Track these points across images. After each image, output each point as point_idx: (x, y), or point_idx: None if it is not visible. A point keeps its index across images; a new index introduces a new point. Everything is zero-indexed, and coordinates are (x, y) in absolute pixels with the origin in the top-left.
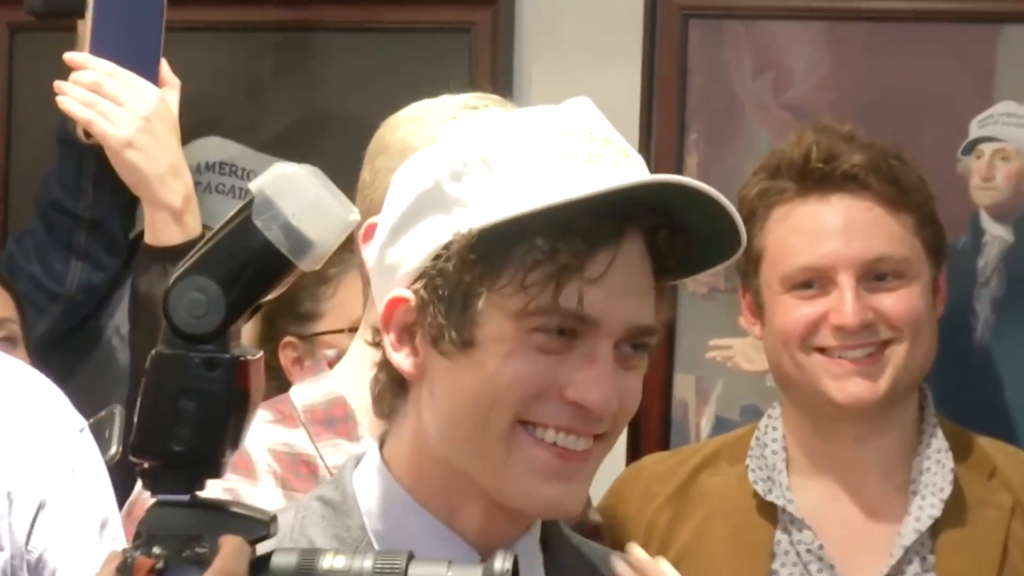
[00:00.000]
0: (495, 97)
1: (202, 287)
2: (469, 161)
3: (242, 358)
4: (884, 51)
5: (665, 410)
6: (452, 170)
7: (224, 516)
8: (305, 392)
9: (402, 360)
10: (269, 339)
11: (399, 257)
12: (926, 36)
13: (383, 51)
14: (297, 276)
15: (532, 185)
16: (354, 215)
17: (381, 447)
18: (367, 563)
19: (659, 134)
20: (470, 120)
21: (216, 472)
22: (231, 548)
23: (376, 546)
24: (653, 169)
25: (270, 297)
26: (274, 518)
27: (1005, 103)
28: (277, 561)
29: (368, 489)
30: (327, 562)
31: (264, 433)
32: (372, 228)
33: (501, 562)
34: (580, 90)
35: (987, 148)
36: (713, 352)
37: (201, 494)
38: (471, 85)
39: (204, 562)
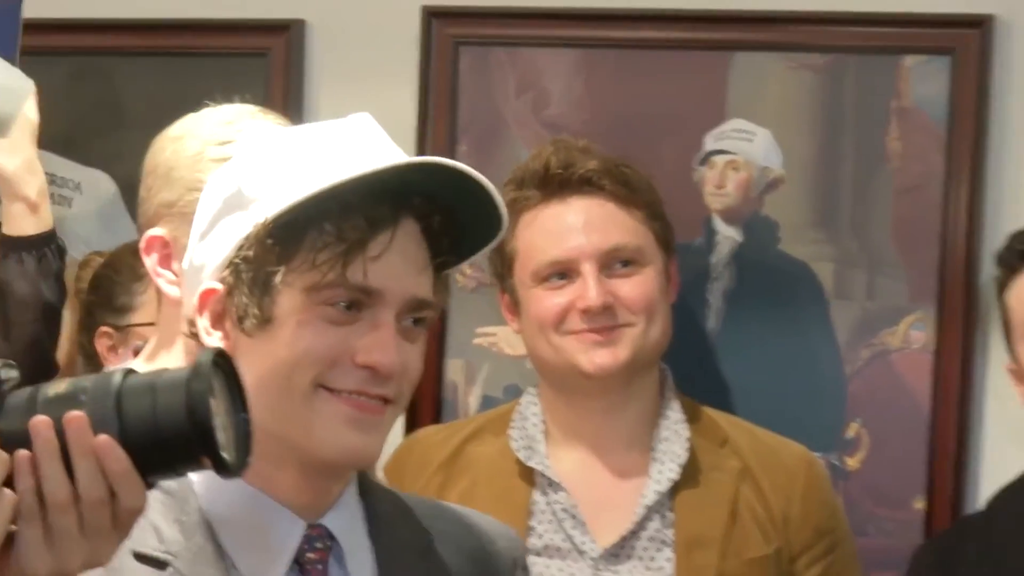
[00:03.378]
0: (251, 109)
1: None
2: (263, 164)
3: None
4: (631, 75)
5: (438, 391)
6: (249, 174)
7: None
8: None
9: (216, 343)
10: (87, 328)
11: (207, 254)
12: (667, 62)
13: (183, 76)
14: None
15: (316, 177)
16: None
17: None
18: (87, 383)
19: (433, 147)
20: (264, 132)
21: None
22: None
23: (213, 525)
24: None
25: None
26: (8, 364)
27: (735, 120)
28: (10, 400)
29: (200, 473)
30: (53, 389)
31: None
32: (151, 240)
33: (205, 355)
34: (363, 108)
35: (720, 160)
36: (479, 339)
37: None
38: (265, 105)
39: None
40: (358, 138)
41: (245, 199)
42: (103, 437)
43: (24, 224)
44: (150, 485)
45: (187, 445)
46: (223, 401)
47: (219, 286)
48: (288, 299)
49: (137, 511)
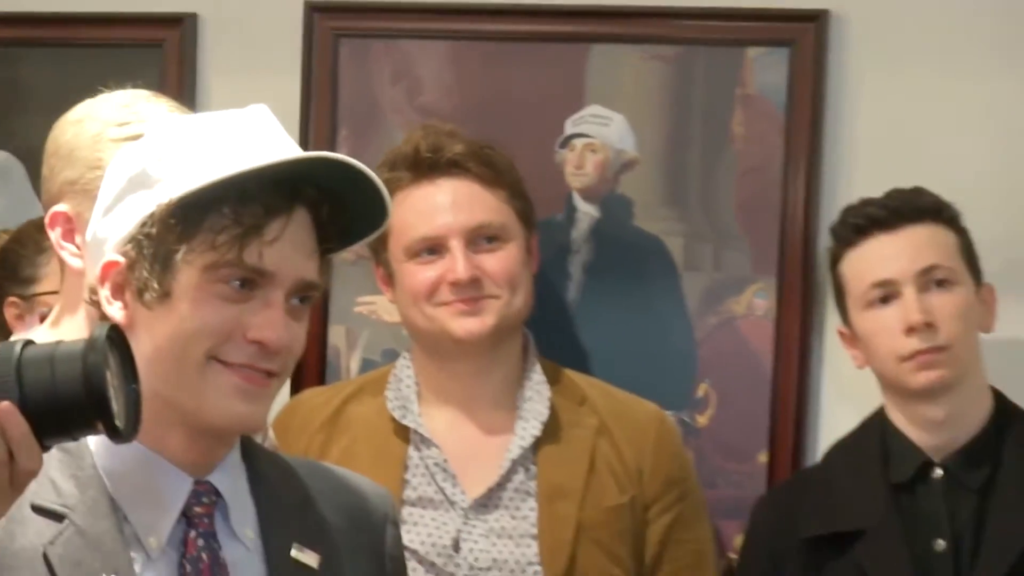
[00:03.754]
0: (146, 93)
1: None
2: (169, 147)
3: None
4: (497, 65)
5: (321, 355)
6: (155, 155)
7: None
8: None
9: (115, 312)
10: None
11: (111, 229)
12: (531, 53)
13: (83, 65)
14: None
15: (219, 163)
16: None
17: None
18: None
19: (315, 132)
20: (170, 117)
21: None
22: None
23: (106, 481)
24: None
25: None
26: None
27: (593, 107)
28: None
29: None
30: None
31: None
32: (55, 216)
33: (100, 329)
34: (251, 97)
35: (579, 143)
36: (360, 307)
37: None
38: (160, 92)
39: None
40: (257, 128)
41: (150, 179)
42: (4, 404)
43: None
44: (46, 448)
45: (83, 412)
46: (116, 372)
47: (121, 259)
48: (187, 276)
49: (33, 472)
